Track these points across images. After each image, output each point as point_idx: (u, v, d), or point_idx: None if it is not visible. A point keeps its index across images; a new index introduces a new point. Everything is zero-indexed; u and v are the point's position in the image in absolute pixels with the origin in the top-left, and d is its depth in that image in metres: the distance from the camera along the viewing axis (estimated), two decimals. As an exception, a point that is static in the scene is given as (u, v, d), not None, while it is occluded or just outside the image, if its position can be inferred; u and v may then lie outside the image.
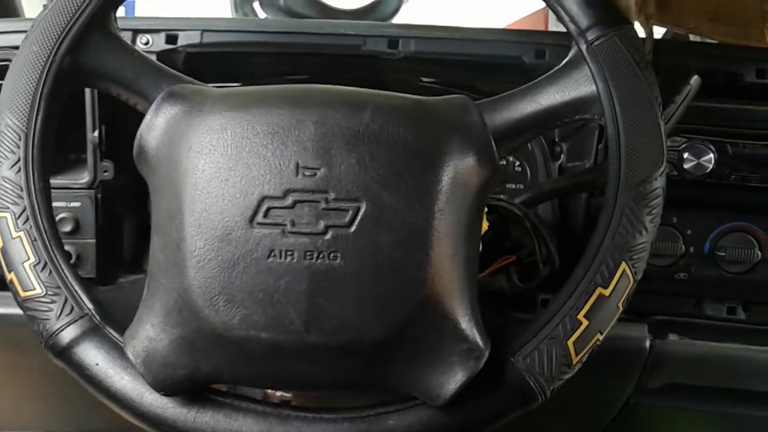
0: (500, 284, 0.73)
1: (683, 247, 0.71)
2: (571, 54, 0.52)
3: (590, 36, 0.49)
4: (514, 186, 0.82)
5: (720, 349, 0.73)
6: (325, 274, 0.42)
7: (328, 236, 0.43)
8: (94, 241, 0.72)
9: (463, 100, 0.48)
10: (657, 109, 0.48)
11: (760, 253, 0.70)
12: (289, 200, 0.43)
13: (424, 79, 0.81)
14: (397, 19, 0.95)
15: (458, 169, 0.45)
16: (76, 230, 0.71)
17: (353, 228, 0.43)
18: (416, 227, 0.43)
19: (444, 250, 0.44)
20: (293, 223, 0.43)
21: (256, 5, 0.89)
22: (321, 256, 0.43)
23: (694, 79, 0.59)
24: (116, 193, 0.74)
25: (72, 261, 0.72)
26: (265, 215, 0.43)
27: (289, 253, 0.43)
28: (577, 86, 0.50)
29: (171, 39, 0.73)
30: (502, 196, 0.80)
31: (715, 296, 0.73)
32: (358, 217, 0.43)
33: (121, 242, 0.76)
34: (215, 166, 0.44)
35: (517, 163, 0.82)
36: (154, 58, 0.72)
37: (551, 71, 0.52)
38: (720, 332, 0.73)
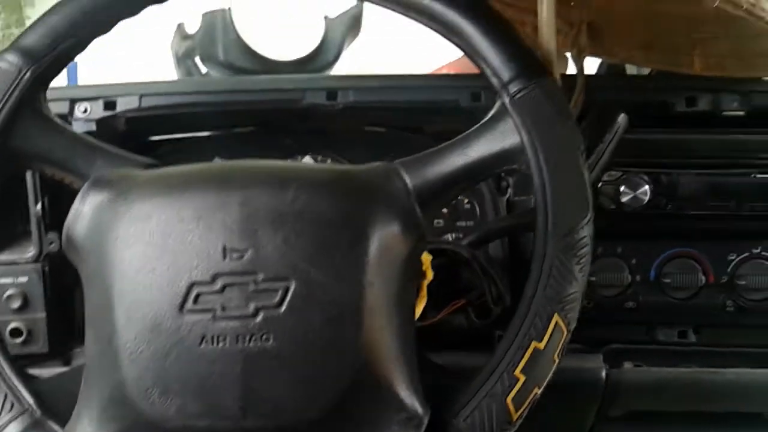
0: (459, 322, 0.74)
1: (629, 276, 0.72)
2: (496, 106, 0.53)
3: (512, 89, 0.50)
4: (464, 224, 0.83)
5: (674, 374, 0.74)
6: (258, 357, 0.42)
7: (258, 318, 0.43)
8: (44, 315, 0.71)
9: (386, 168, 0.49)
10: (580, 158, 0.49)
11: (704, 277, 0.71)
12: (218, 284, 0.43)
13: (368, 126, 0.82)
14: (343, 63, 0.96)
15: (384, 239, 0.45)
16: (25, 306, 0.71)
17: (283, 308, 0.43)
18: (346, 302, 0.43)
19: (376, 322, 0.44)
20: (223, 308, 0.43)
21: (198, 59, 0.89)
22: (253, 338, 0.43)
23: (621, 118, 0.61)
24: (64, 264, 0.73)
25: (23, 338, 0.71)
26: (195, 302, 0.43)
27: (220, 338, 0.42)
28: (504, 138, 0.50)
29: (109, 105, 0.73)
30: (450, 237, 0.82)
31: (666, 322, 0.74)
32: (288, 297, 0.43)
33: (73, 313, 0.75)
34: (142, 256, 0.44)
35: (466, 200, 0.83)
36: (93, 125, 0.73)
37: (479, 124, 0.53)
38: (673, 357, 0.74)
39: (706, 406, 0.76)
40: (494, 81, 0.51)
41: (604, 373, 0.73)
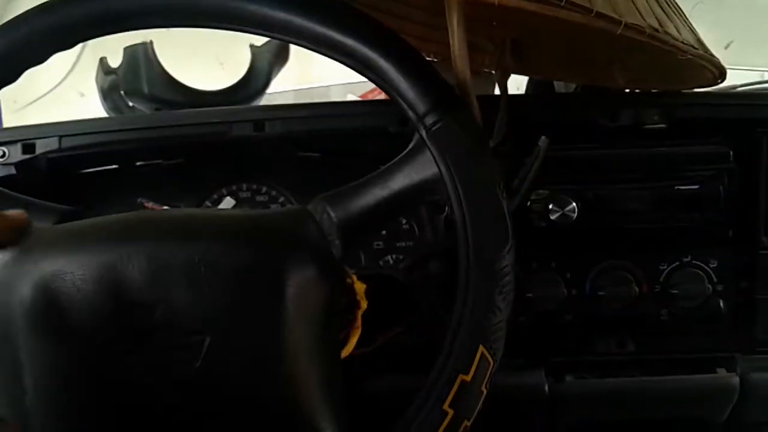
0: (400, 344, 0.73)
1: (565, 291, 0.73)
2: (415, 138, 0.53)
3: (428, 121, 0.49)
4: (404, 244, 0.83)
5: (616, 384, 0.75)
6: (177, 415, 0.41)
7: (173, 374, 0.42)
8: None
9: (300, 212, 0.48)
10: (497, 189, 0.49)
11: (637, 288, 0.72)
12: (130, 342, 0.42)
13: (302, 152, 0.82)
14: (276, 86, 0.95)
15: (301, 284, 0.44)
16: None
17: (199, 362, 0.42)
18: (265, 352, 0.43)
19: (299, 369, 0.43)
20: (137, 365, 0.42)
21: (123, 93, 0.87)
22: (170, 396, 0.41)
23: (542, 141, 0.61)
24: None
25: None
26: (108, 361, 0.42)
27: (136, 396, 0.41)
28: (423, 170, 0.50)
29: (28, 148, 0.71)
30: (390, 258, 0.81)
31: (604, 333, 0.75)
32: (203, 351, 0.42)
33: None
34: (47, 320, 0.42)
35: (404, 220, 0.83)
36: (12, 169, 0.71)
37: (399, 156, 0.53)
38: (614, 366, 0.75)
39: (649, 414, 0.77)
40: (410, 114, 0.51)
41: (547, 388, 0.74)
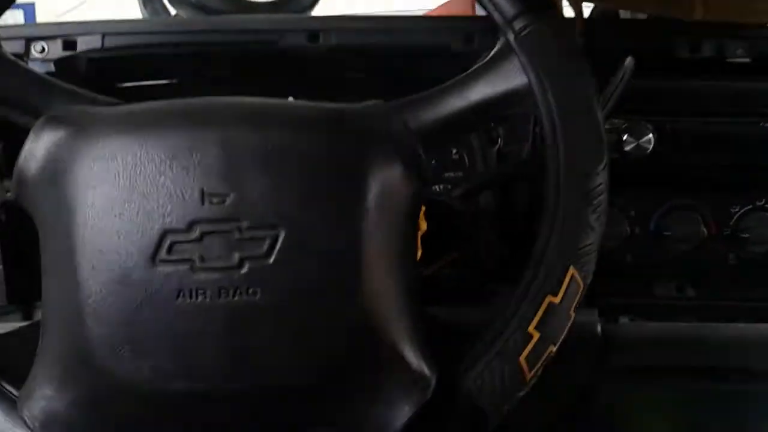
0: (449, 276, 0.70)
1: (628, 229, 0.69)
2: (499, 45, 0.48)
3: (517, 26, 0.45)
4: (452, 174, 0.79)
5: (670, 329, 0.72)
6: (243, 313, 0.38)
7: (244, 270, 0.38)
8: (1, 267, 0.66)
9: (384, 106, 0.44)
10: (593, 100, 0.45)
11: (705, 230, 0.68)
12: (196, 232, 0.38)
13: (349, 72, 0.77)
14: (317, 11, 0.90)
15: (384, 182, 0.41)
16: (-20, 257, 0.65)
17: (272, 258, 0.38)
18: (343, 252, 0.39)
19: (377, 274, 0.40)
20: (202, 258, 0.38)
21: (166, 0, 0.82)
22: (238, 292, 0.38)
23: (629, 61, 0.57)
24: (25, 213, 0.68)
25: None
26: (169, 251, 0.38)
27: (200, 291, 0.38)
28: (508, 79, 0.46)
29: (69, 45, 0.67)
30: (437, 188, 0.78)
31: (664, 275, 0.72)
32: (277, 246, 0.38)
33: (35, 265, 0.70)
34: (107, 200, 0.39)
35: (454, 150, 0.79)
36: (51, 66, 0.67)
37: (479, 63, 0.48)
38: (671, 311, 0.72)
39: (703, 361, 0.74)
40: (497, 17, 0.46)
41: (599, 328, 0.71)
